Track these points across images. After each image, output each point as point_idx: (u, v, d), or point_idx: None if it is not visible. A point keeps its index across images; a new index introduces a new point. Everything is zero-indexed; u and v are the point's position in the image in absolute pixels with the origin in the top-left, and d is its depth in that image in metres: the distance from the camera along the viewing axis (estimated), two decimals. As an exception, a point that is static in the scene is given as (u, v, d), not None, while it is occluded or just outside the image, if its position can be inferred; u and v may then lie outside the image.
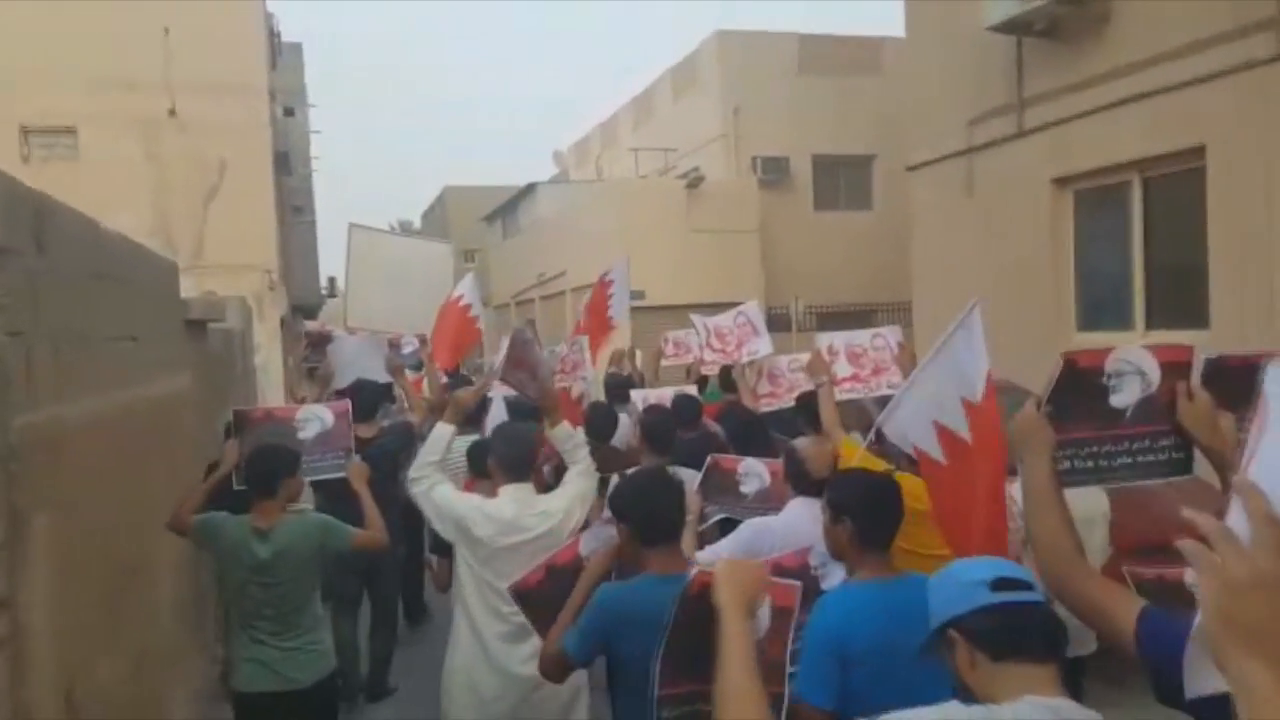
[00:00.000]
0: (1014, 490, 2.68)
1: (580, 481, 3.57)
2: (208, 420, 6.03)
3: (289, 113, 26.65)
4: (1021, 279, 9.30)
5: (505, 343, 4.15)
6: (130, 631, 3.38)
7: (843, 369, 4.97)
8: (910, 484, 2.88)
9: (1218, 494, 2.30)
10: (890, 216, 20.95)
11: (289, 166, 22.61)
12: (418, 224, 47.75)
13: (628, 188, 19.81)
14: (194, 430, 5.33)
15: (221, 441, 5.34)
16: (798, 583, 2.11)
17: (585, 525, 3.42)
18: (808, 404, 4.76)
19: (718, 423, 5.70)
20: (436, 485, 3.44)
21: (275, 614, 3.41)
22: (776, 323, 19.81)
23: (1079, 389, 2.09)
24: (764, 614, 1.97)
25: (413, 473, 3.51)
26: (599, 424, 4.86)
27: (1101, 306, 9.07)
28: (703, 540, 3.69)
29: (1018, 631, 1.57)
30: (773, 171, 20.02)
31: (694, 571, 1.90)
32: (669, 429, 4.61)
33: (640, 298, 19.21)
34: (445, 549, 3.80)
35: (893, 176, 21.26)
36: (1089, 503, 3.81)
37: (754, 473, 4.23)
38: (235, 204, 16.64)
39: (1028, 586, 1.63)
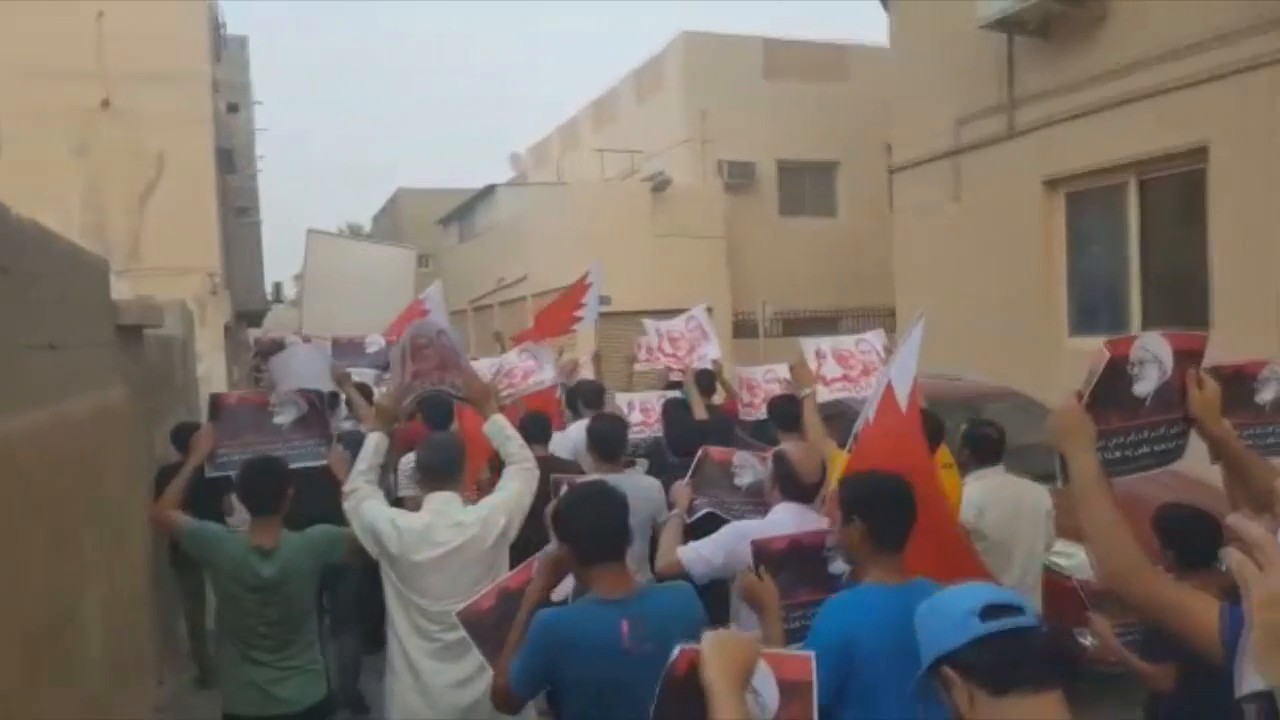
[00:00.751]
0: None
1: (511, 484, 3.37)
2: (144, 440, 5.31)
3: (233, 109, 25.58)
4: (1012, 282, 9.01)
5: (406, 349, 3.78)
6: (55, 701, 2.74)
7: (831, 370, 5.14)
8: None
9: (1196, 484, 2.50)
10: (855, 223, 20.77)
11: (233, 164, 21.58)
12: (368, 227, 46.59)
13: (592, 190, 19.23)
14: (129, 453, 4.62)
15: (160, 462, 5.12)
16: (810, 654, 1.91)
17: (535, 530, 3.25)
18: (782, 409, 4.78)
19: (664, 427, 5.61)
20: (366, 499, 3.28)
21: (274, 632, 3.28)
22: (743, 329, 19.47)
23: (1115, 379, 2.06)
24: (769, 691, 1.78)
25: (346, 486, 3.34)
26: (534, 430, 4.66)
27: (1095, 310, 8.83)
28: (688, 534, 3.54)
29: (1015, 662, 1.50)
30: (739, 176, 19.64)
31: (677, 651, 1.71)
32: (619, 437, 4.46)
33: (605, 303, 18.68)
34: None
35: (857, 183, 21.11)
36: (1029, 498, 3.83)
37: (749, 465, 4.10)
38: (174, 202, 15.65)
39: (1018, 610, 1.56)
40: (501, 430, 3.51)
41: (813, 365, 5.19)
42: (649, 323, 7.18)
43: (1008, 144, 9.12)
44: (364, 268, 8.85)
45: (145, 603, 4.68)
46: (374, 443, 3.41)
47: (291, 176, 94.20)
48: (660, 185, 18.26)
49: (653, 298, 17.99)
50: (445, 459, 3.38)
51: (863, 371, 5.24)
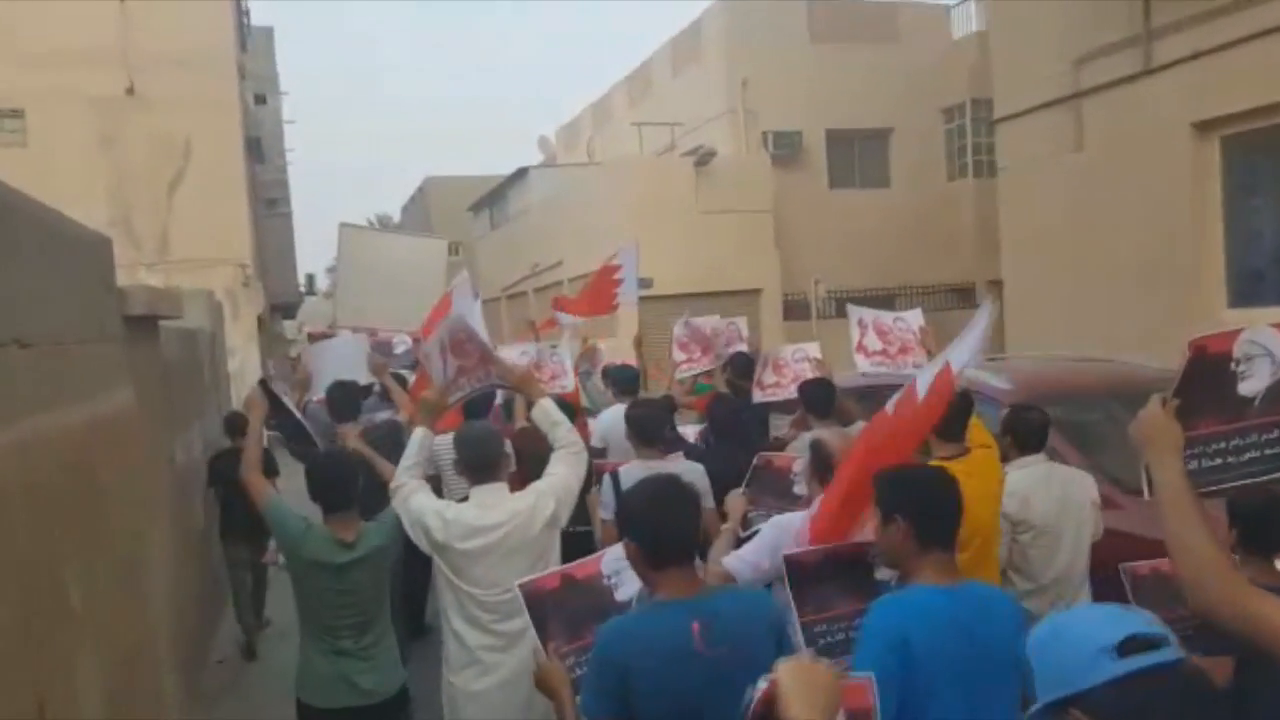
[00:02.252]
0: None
1: (559, 469, 3.34)
2: (162, 449, 4.64)
3: (260, 100, 25.13)
4: (1152, 246, 7.88)
5: (444, 344, 3.68)
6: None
7: (873, 342, 5.16)
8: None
9: None
10: (910, 194, 19.76)
11: (261, 154, 21.06)
12: (397, 217, 46.20)
13: (631, 168, 18.36)
14: (140, 467, 3.94)
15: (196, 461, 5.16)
16: (869, 677, 1.75)
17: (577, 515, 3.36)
18: (814, 392, 4.78)
19: (706, 413, 5.51)
20: (414, 493, 3.26)
21: (356, 622, 3.30)
22: (794, 310, 18.57)
23: (1208, 378, 1.92)
24: None
25: (393, 481, 3.34)
26: None
27: (1259, 276, 7.63)
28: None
29: (1157, 707, 1.33)
30: (785, 147, 18.70)
31: (756, 689, 1.52)
32: (660, 421, 4.37)
33: (647, 286, 17.86)
34: None
35: (911, 152, 20.07)
36: (1076, 488, 3.67)
37: None
38: (203, 192, 15.10)
39: (1162, 642, 1.38)
40: (548, 415, 3.45)
41: (855, 335, 5.25)
42: (678, 323, 6.86)
43: (1144, 82, 7.90)
44: (395, 259, 8.55)
45: (165, 641, 4.00)
46: (419, 437, 3.37)
47: (320, 169, 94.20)
48: (703, 159, 17.36)
49: (698, 279, 17.18)
50: (487, 452, 3.32)
51: (900, 350, 5.19)
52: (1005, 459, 3.70)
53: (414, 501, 3.23)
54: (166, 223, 15.13)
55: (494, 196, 26.53)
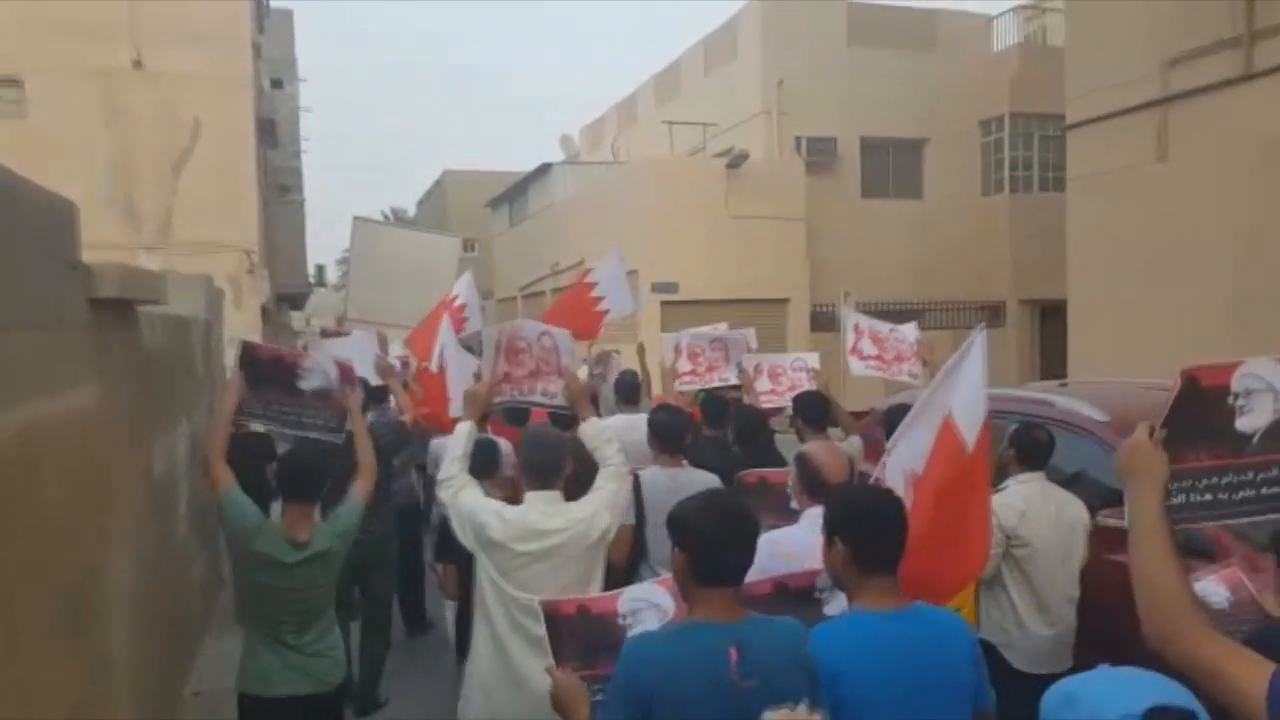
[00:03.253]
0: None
1: (609, 485, 3.30)
2: (139, 456, 3.90)
3: (276, 84, 24.53)
4: (1243, 271, 7.15)
5: (501, 347, 3.67)
6: None
7: (868, 347, 5.40)
8: None
9: None
10: (943, 207, 19.01)
11: (275, 138, 20.38)
12: (412, 211, 45.66)
13: (660, 167, 17.62)
14: (105, 480, 3.22)
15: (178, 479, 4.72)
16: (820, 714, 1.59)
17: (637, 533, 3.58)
18: (807, 404, 4.78)
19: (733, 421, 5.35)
20: (463, 489, 3.23)
21: (298, 619, 3.28)
22: (821, 321, 17.80)
23: (1201, 410, 1.85)
24: None
25: (441, 475, 3.33)
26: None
27: None
28: None
29: None
30: (819, 153, 17.97)
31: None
32: (681, 428, 4.27)
33: (672, 290, 17.17)
34: (451, 555, 3.69)
35: (946, 163, 19.31)
36: (1070, 510, 3.69)
37: None
38: (211, 173, 14.39)
39: (1189, 715, 1.33)
40: (600, 433, 3.42)
41: (850, 339, 5.48)
42: (667, 338, 6.71)
43: (1242, 89, 7.23)
44: (408, 255, 8.61)
45: (124, 702, 3.26)
46: (465, 430, 3.36)
47: (335, 159, 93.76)
48: (736, 161, 16.62)
49: (725, 285, 16.47)
50: (555, 458, 3.26)
51: (896, 358, 5.34)
52: (1006, 473, 3.74)
53: (465, 497, 3.18)
54: (170, 204, 14.42)
55: (514, 193, 25.84)
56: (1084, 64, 9.01)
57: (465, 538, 3.15)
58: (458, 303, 6.92)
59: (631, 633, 2.39)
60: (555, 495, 3.21)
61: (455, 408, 4.48)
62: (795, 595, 2.56)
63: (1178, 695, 1.36)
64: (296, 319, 35.35)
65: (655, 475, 3.94)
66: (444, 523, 3.44)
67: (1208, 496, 1.87)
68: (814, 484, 3.03)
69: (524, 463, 3.30)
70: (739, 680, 1.94)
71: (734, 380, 6.23)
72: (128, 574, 3.53)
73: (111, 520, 3.31)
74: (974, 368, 2.96)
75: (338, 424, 3.81)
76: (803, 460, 3.14)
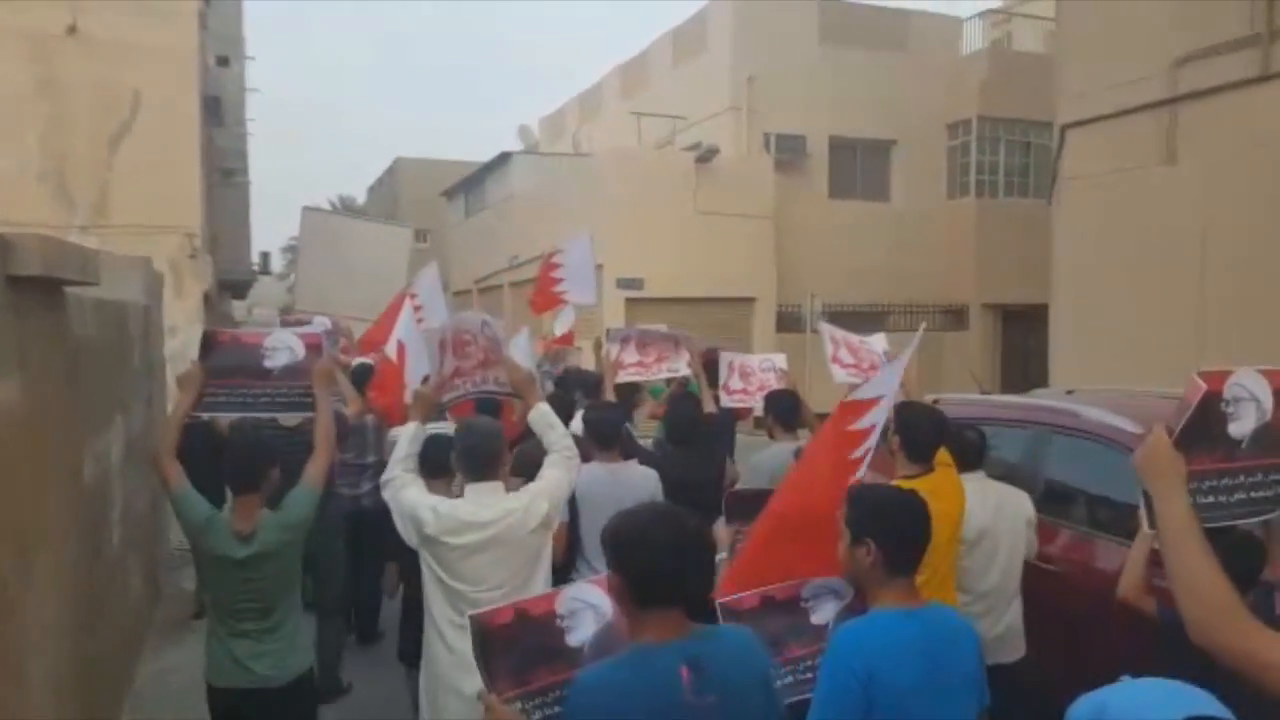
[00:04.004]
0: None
1: (552, 472, 3.25)
2: (64, 458, 3.31)
3: (223, 62, 23.38)
4: (1252, 278, 6.88)
5: (447, 342, 3.66)
6: None
7: (846, 357, 5.64)
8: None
9: None
10: (909, 209, 18.87)
11: (220, 116, 19.40)
12: (362, 199, 44.41)
13: (627, 160, 17.09)
14: (23, 487, 2.66)
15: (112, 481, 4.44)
16: None
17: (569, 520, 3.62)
18: (780, 403, 4.87)
19: (666, 417, 5.33)
20: (405, 487, 3.18)
21: (256, 607, 3.21)
22: (787, 322, 17.50)
23: (1203, 415, 1.94)
24: None
25: (384, 475, 3.28)
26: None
27: None
28: None
29: None
30: (787, 151, 17.68)
31: None
32: (616, 423, 4.28)
33: (638, 287, 16.71)
34: (393, 554, 3.71)
35: (913, 166, 19.18)
36: (1011, 506, 3.76)
37: None
38: (150, 150, 13.46)
39: None
40: (545, 418, 3.39)
41: (829, 349, 5.64)
42: (614, 329, 6.58)
43: (1259, 89, 6.98)
44: (359, 246, 8.50)
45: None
46: (411, 431, 3.34)
47: (282, 144, 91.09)
48: (706, 156, 16.21)
49: (691, 283, 16.07)
50: (489, 448, 3.22)
51: (870, 366, 5.49)
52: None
53: (405, 495, 3.16)
54: (106, 182, 13.45)
55: (471, 182, 25.09)
56: (1079, 61, 8.72)
57: (407, 534, 3.12)
58: (416, 301, 6.67)
59: (570, 636, 2.34)
60: (494, 486, 3.16)
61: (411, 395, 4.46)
62: (782, 606, 2.55)
63: (1212, 706, 1.35)
64: (238, 308, 34.02)
65: (593, 471, 3.90)
66: (382, 517, 3.36)
67: (1210, 499, 1.94)
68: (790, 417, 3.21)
69: (458, 454, 3.23)
70: (695, 699, 1.89)
71: (684, 371, 6.15)
72: (50, 601, 2.95)
73: (29, 535, 2.74)
74: (897, 366, 3.27)
75: (310, 395, 3.61)
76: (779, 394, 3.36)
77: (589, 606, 2.39)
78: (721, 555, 3.03)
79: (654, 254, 15.94)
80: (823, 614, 2.57)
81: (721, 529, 3.46)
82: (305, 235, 8.56)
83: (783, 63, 17.54)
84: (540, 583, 3.08)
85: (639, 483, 4.03)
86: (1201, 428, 1.92)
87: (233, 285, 25.56)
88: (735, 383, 5.98)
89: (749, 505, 3.65)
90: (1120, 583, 3.02)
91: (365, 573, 5.37)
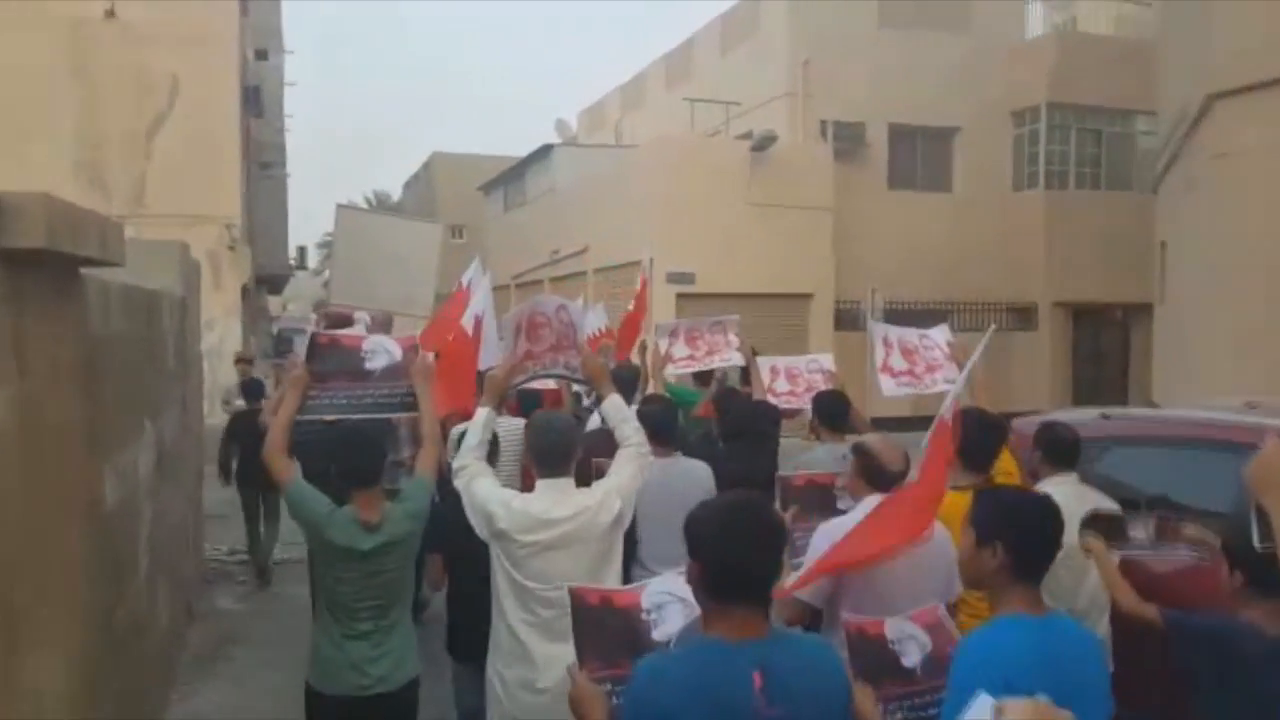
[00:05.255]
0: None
1: (625, 469, 3.18)
2: (81, 481, 2.69)
3: (261, 56, 23.07)
4: None
5: (522, 325, 3.63)
6: None
7: (898, 363, 5.14)
8: None
9: None
10: (972, 201, 17.95)
11: (259, 105, 18.97)
12: (398, 195, 44.17)
13: (677, 149, 16.34)
14: (34, 512, 2.05)
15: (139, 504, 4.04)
16: None
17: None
18: (828, 405, 4.72)
19: (717, 412, 5.35)
20: (477, 477, 3.10)
21: (376, 606, 3.15)
22: (846, 320, 16.68)
23: None
24: None
25: (456, 461, 3.21)
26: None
27: None
28: None
29: None
30: (845, 139, 16.85)
31: None
32: (671, 419, 4.21)
33: (689, 282, 15.97)
34: (439, 545, 3.60)
35: (976, 154, 18.24)
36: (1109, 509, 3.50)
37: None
38: (189, 137, 13.03)
39: None
40: (619, 411, 3.33)
41: (880, 354, 5.18)
42: (662, 325, 6.57)
43: None
44: (390, 242, 8.22)
45: None
46: (484, 418, 3.26)
47: (319, 139, 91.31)
48: (762, 144, 15.44)
49: (744, 278, 15.33)
50: (566, 444, 3.13)
51: (927, 369, 5.12)
52: (1035, 476, 3.63)
53: (478, 486, 3.09)
54: (143, 171, 13.04)
55: (510, 176, 24.51)
56: (1231, 22, 7.52)
57: (478, 527, 3.05)
58: (468, 292, 6.53)
59: (656, 630, 2.29)
60: (566, 483, 3.10)
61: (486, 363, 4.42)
62: (620, 612, 2.38)
63: None
64: (273, 303, 33.81)
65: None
66: (433, 510, 3.33)
67: None
68: (873, 474, 3.05)
69: (532, 450, 3.18)
70: (764, 708, 1.78)
71: (738, 361, 6.06)
72: (59, 666, 2.33)
73: (29, 583, 2.12)
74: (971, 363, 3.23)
75: (411, 394, 3.59)
76: (860, 451, 3.15)
77: (677, 599, 2.32)
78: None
79: (705, 248, 15.22)
80: (666, 628, 2.31)
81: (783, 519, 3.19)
82: (339, 232, 8.45)
83: (840, 46, 16.72)
84: (611, 582, 2.96)
85: (694, 478, 4.01)
86: None
87: (269, 280, 25.22)
88: (781, 385, 5.88)
89: (803, 493, 3.76)
90: (1116, 600, 3.04)
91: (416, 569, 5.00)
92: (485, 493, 3.04)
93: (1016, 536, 2.08)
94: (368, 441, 3.22)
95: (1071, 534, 3.11)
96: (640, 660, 1.94)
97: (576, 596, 2.34)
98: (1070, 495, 3.30)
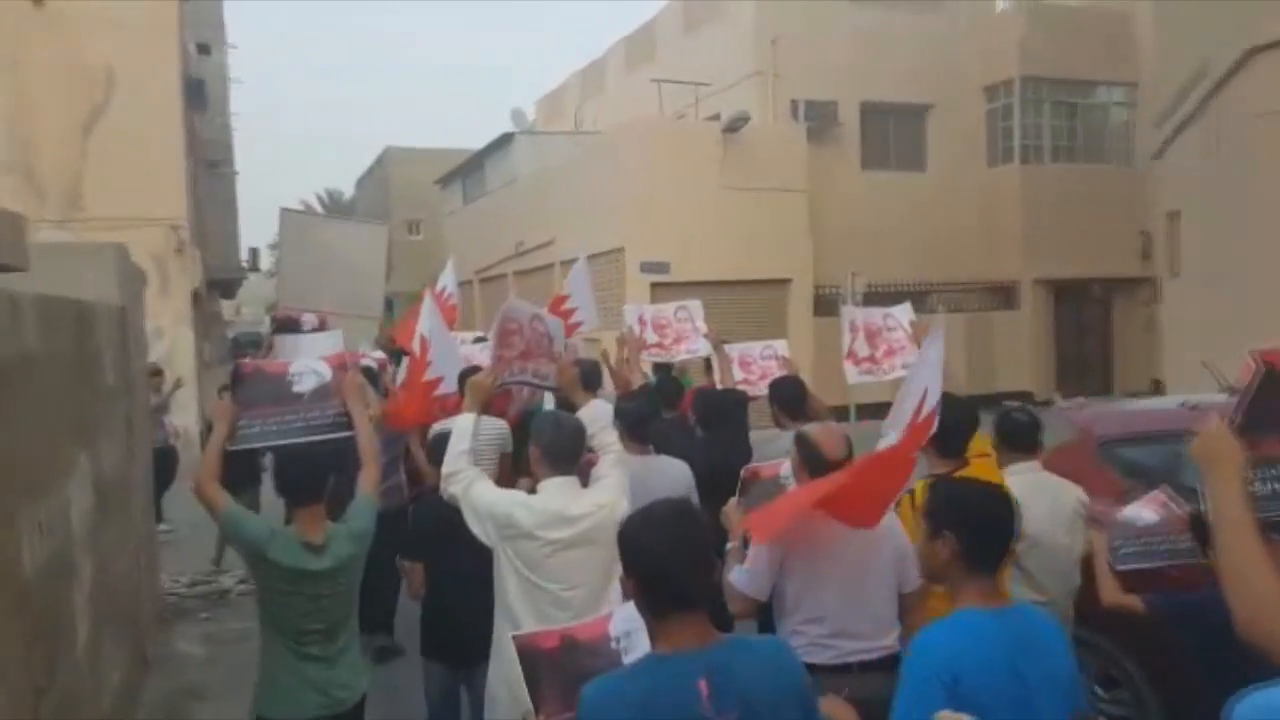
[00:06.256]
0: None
1: (615, 471, 3.19)
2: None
3: (204, 50, 22.05)
4: None
5: (495, 331, 3.70)
6: None
7: (862, 348, 5.19)
8: None
9: None
10: (947, 180, 17.61)
11: (203, 100, 18.04)
12: (350, 193, 42.94)
13: (646, 132, 15.69)
14: None
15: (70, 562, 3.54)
16: None
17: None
18: (785, 391, 4.70)
19: (692, 406, 5.26)
20: (475, 482, 3.06)
21: (325, 627, 3.09)
22: (824, 305, 16.21)
23: (1267, 397, 1.92)
24: None
25: (446, 469, 3.15)
26: None
27: None
28: None
29: None
30: (817, 119, 16.37)
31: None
32: (650, 417, 4.29)
33: (663, 271, 15.41)
34: (418, 552, 3.70)
35: (950, 131, 17.90)
36: (1066, 498, 3.54)
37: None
38: (129, 134, 12.18)
39: None
40: (597, 419, 3.31)
41: (847, 340, 5.22)
42: (631, 308, 6.57)
43: None
44: (336, 245, 8.73)
45: None
46: (469, 422, 3.24)
47: (266, 138, 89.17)
48: (734, 125, 14.91)
49: (721, 265, 14.81)
50: (577, 444, 3.11)
51: (886, 352, 5.12)
52: (1000, 465, 3.59)
53: (479, 490, 3.03)
54: (80, 170, 12.16)
55: (469, 168, 23.74)
56: None
57: (485, 533, 3.00)
58: (445, 293, 6.67)
59: (627, 657, 2.19)
60: (574, 481, 3.09)
61: (448, 384, 4.50)
62: (585, 647, 2.31)
63: None
64: (227, 308, 32.61)
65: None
66: (414, 518, 3.29)
67: (1269, 488, 1.90)
68: (814, 462, 3.03)
69: (543, 448, 3.10)
70: (714, 715, 1.77)
71: (703, 351, 6.13)
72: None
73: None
74: (937, 354, 3.17)
75: (345, 414, 3.54)
76: (801, 441, 3.15)
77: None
78: (732, 544, 3.10)
79: (679, 235, 14.68)
80: (637, 654, 2.22)
81: (733, 510, 3.29)
82: (284, 235, 8.79)
83: (809, 23, 16.23)
84: (616, 586, 2.85)
85: (671, 477, 4.01)
86: (1264, 411, 1.87)
87: (221, 284, 24.20)
88: (736, 373, 5.89)
89: (761, 485, 3.67)
90: (1101, 594, 3.16)
91: (385, 577, 4.80)
92: (495, 495, 3.01)
93: (967, 527, 2.08)
94: (308, 459, 3.18)
95: (1033, 521, 3.22)
96: (586, 686, 1.90)
97: (524, 645, 2.27)
98: (1032, 482, 3.39)
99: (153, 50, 12.57)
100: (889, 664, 2.55)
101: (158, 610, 6.12)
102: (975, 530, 2.08)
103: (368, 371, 5.47)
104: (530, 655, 2.23)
